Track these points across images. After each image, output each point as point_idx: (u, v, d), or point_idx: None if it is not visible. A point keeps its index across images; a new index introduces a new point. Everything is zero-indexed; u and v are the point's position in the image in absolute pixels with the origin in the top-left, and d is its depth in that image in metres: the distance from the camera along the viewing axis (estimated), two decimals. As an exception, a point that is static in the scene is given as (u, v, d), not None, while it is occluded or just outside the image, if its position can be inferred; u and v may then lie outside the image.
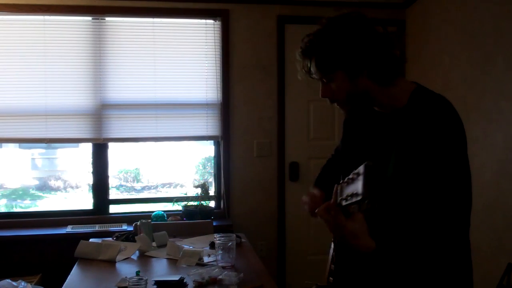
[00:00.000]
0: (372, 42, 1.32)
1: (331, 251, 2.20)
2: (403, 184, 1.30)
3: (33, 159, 4.52)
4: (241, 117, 3.94)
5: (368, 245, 1.21)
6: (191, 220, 3.41)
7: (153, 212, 3.57)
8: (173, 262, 2.48)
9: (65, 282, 2.20)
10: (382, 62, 1.33)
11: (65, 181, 4.41)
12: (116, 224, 3.68)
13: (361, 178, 1.09)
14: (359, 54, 1.31)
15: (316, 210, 1.26)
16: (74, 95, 3.73)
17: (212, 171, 4.07)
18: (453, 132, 1.29)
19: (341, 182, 1.21)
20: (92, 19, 3.75)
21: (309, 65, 1.37)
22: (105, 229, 3.55)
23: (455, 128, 1.30)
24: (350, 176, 1.16)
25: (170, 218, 3.45)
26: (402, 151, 1.33)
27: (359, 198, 1.10)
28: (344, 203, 1.17)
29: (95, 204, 3.86)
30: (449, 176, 1.28)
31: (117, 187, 4.31)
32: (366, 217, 1.22)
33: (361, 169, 1.11)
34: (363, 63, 1.32)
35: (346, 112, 1.44)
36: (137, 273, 2.17)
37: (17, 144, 4.25)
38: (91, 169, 3.86)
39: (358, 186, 1.10)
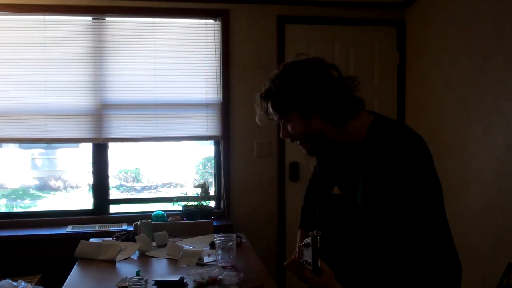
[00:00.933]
0: (323, 84, 1.37)
1: None
2: (373, 214, 1.35)
3: (33, 159, 4.52)
4: (241, 117, 3.94)
5: None
6: (191, 220, 3.41)
7: (153, 212, 3.57)
8: (173, 262, 2.48)
9: (65, 282, 2.20)
10: (334, 103, 1.37)
11: (65, 181, 4.41)
12: (116, 224, 3.68)
13: (310, 249, 1.25)
14: (310, 94, 1.37)
15: (285, 264, 1.40)
16: (74, 95, 3.73)
17: (212, 171, 4.07)
18: (414, 160, 1.30)
19: (302, 244, 1.32)
20: (92, 19, 3.75)
21: (266, 107, 1.45)
22: (105, 229, 3.55)
23: (416, 154, 1.31)
24: (307, 241, 1.29)
25: (170, 218, 3.44)
26: (368, 183, 1.36)
27: (311, 268, 1.26)
28: (305, 264, 1.32)
29: (95, 204, 3.86)
30: (417, 202, 1.28)
31: (117, 187, 4.31)
32: (330, 259, 1.32)
33: (308, 240, 1.26)
34: (314, 103, 1.37)
35: (307, 152, 1.49)
36: (137, 273, 2.17)
37: (17, 144, 4.25)
38: (91, 169, 3.86)
39: (309, 255, 1.26)
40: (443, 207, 1.35)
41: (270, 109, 1.44)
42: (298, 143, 1.47)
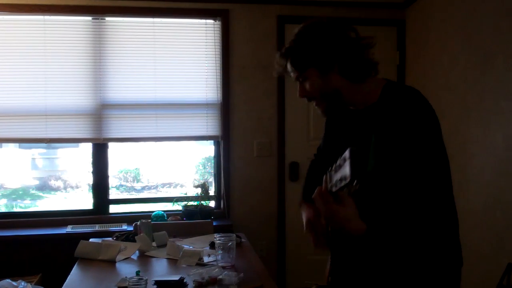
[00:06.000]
0: (342, 39, 1.41)
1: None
2: (386, 176, 1.34)
3: (33, 159, 4.52)
4: (241, 117, 3.94)
5: (360, 228, 1.25)
6: (191, 220, 3.41)
7: (153, 212, 3.57)
8: (173, 262, 2.48)
9: (65, 282, 2.21)
10: (352, 59, 1.41)
11: (65, 181, 4.41)
12: (116, 224, 3.68)
13: (347, 162, 1.15)
14: (329, 49, 1.41)
15: (313, 196, 1.28)
16: (74, 95, 3.73)
17: (212, 171, 4.07)
18: (427, 120, 1.34)
19: (329, 170, 1.25)
20: (92, 19, 3.75)
21: (285, 65, 1.49)
22: (105, 229, 3.55)
23: (428, 116, 1.35)
24: (338, 163, 1.20)
25: (170, 218, 3.44)
26: (379, 144, 1.37)
27: (348, 181, 1.15)
28: (334, 189, 1.22)
29: (95, 204, 3.86)
30: (429, 162, 1.33)
31: (117, 187, 4.31)
32: (355, 201, 1.27)
33: (346, 154, 1.17)
34: (333, 58, 1.41)
35: (322, 111, 1.52)
36: (137, 273, 2.17)
37: (17, 144, 4.25)
38: (91, 169, 3.86)
39: (346, 170, 1.15)
40: (449, 172, 1.39)
41: (289, 67, 1.47)
42: (314, 103, 1.50)
